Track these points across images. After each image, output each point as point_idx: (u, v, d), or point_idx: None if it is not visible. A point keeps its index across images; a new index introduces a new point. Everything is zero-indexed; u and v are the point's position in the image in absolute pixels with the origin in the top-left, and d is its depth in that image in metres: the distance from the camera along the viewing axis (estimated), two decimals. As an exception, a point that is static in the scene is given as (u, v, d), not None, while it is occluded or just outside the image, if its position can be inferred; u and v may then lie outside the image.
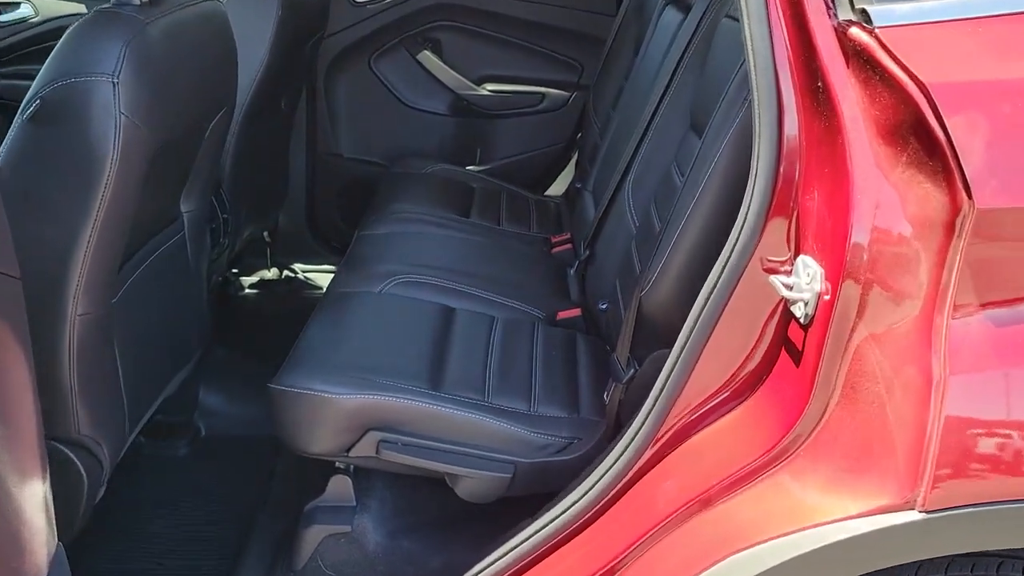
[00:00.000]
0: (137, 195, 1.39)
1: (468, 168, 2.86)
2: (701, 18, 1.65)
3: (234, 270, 2.91)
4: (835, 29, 1.05)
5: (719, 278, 1.14)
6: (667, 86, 1.69)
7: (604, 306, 1.79)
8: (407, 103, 2.87)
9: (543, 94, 2.84)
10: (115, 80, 1.25)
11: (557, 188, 2.93)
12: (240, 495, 1.93)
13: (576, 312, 1.88)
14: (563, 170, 2.93)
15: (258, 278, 2.98)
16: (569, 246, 2.24)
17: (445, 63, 2.83)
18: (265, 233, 2.88)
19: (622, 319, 1.64)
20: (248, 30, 2.12)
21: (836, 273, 1.05)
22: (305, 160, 2.89)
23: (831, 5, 1.06)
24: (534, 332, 1.79)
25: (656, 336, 1.37)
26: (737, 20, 1.55)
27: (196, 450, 2.08)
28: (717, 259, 1.15)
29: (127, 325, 1.54)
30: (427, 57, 2.81)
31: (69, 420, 1.38)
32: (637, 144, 1.74)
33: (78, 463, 1.40)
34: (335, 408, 1.42)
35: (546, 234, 2.39)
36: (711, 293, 1.15)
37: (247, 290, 2.94)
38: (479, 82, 2.85)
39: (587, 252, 1.84)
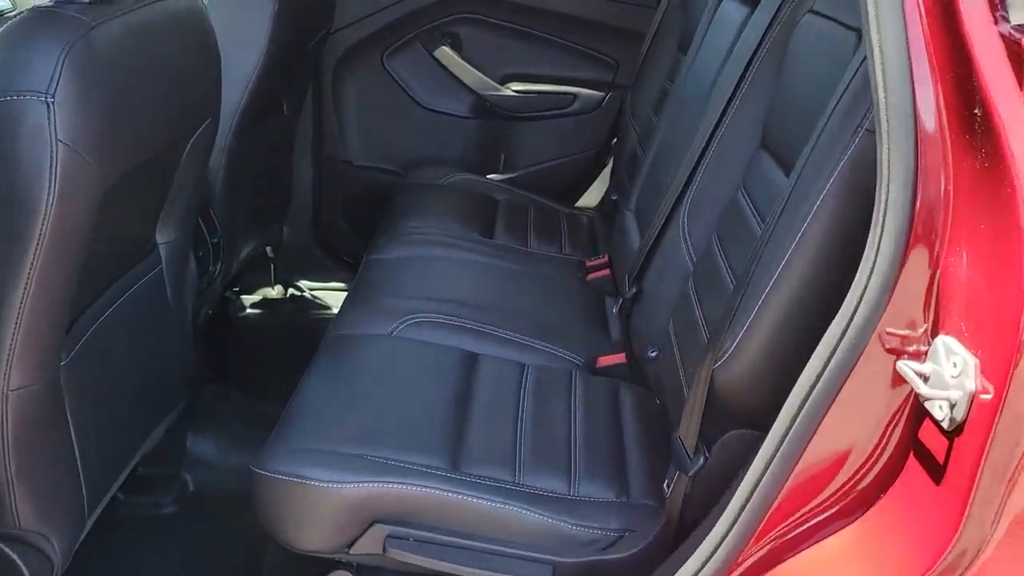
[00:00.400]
0: (88, 237, 1.13)
1: (491, 177, 2.59)
2: (776, 13, 1.37)
3: (235, 288, 2.66)
4: (1004, 37, 0.77)
5: (829, 358, 0.87)
6: (731, 95, 1.41)
7: (654, 354, 1.52)
8: (423, 105, 2.60)
9: (574, 95, 2.55)
10: (49, 100, 0.98)
11: (590, 198, 2.65)
12: (231, 567, 1.68)
13: (620, 359, 1.61)
14: (596, 178, 2.65)
15: (261, 296, 2.73)
16: (607, 272, 1.96)
17: (466, 60, 2.54)
18: (268, 248, 2.63)
19: (677, 371, 1.37)
20: (239, 27, 1.85)
21: (1002, 367, 0.78)
22: (311, 168, 2.62)
23: (998, 4, 0.78)
24: (571, 384, 1.52)
25: (731, 415, 1.10)
26: (824, 16, 1.27)
27: (183, 508, 1.82)
28: (819, 329, 0.88)
29: (86, 387, 1.28)
30: (445, 54, 2.53)
31: (6, 515, 1.12)
32: (695, 164, 1.46)
33: (20, 563, 1.15)
34: (332, 499, 1.15)
35: (580, 255, 2.11)
36: (817, 378, 0.87)
37: (248, 310, 2.68)
38: (503, 81, 2.57)
39: (633, 289, 1.57)
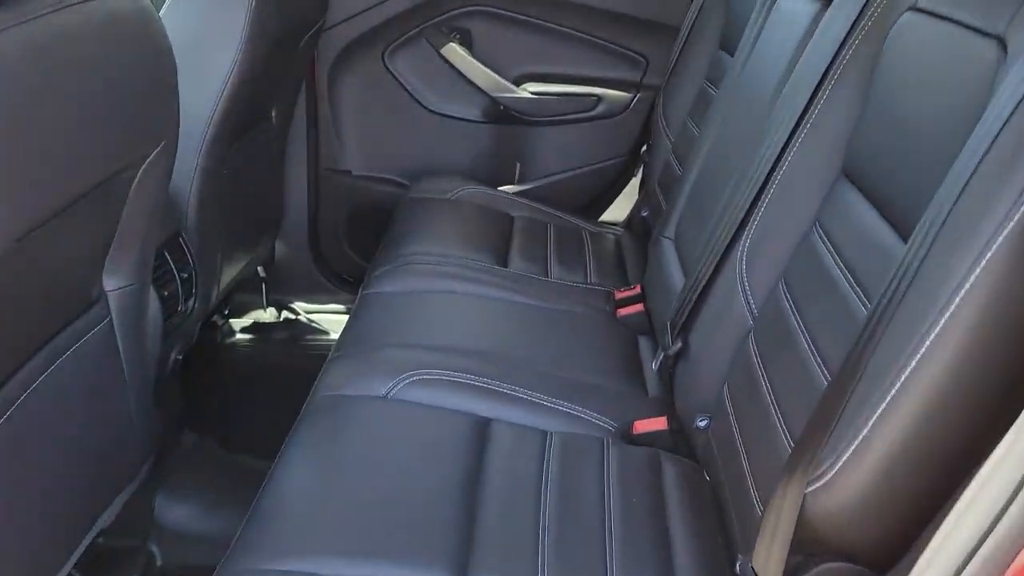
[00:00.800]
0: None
1: (505, 189, 2.32)
2: (860, 12, 1.09)
3: (223, 311, 2.41)
4: None
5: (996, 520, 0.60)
6: (804, 111, 1.13)
7: (704, 423, 1.26)
8: (430, 108, 2.33)
9: (598, 96, 2.28)
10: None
11: (616, 212, 2.38)
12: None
13: (660, 424, 1.34)
14: (623, 190, 2.38)
15: (251, 320, 2.48)
16: (640, 307, 1.70)
17: (476, 58, 2.27)
18: (260, 268, 2.37)
19: (735, 446, 1.11)
20: (209, 28, 1.60)
21: None
22: (306, 179, 2.36)
23: None
24: (604, 456, 1.26)
25: (824, 546, 0.83)
26: (936, 16, 0.99)
27: (149, 588, 1.58)
28: (958, 440, 0.63)
29: (15, 465, 1.04)
30: (454, 51, 2.26)
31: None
32: (755, 192, 1.18)
33: None
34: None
35: (608, 284, 1.84)
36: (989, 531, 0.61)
37: (238, 335, 2.43)
38: (518, 81, 2.30)
39: (678, 344, 1.30)
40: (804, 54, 1.21)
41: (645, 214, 2.10)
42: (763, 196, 1.19)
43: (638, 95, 2.28)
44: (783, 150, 1.16)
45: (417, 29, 2.25)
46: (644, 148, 2.24)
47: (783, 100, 1.20)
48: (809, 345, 1.04)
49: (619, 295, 1.78)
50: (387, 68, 2.29)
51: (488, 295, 1.69)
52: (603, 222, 2.36)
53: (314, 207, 2.39)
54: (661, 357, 1.34)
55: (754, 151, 1.27)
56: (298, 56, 2.03)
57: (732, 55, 1.80)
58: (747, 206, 1.21)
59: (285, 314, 2.48)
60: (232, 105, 1.62)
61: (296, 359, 2.34)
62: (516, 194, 2.30)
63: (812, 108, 1.13)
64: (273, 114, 2.07)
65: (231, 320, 2.45)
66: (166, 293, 1.51)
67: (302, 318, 2.48)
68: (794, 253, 1.15)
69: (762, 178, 1.19)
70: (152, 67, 1.15)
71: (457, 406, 1.33)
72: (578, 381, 1.42)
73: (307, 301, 2.50)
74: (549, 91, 2.28)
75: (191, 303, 1.63)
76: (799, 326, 1.08)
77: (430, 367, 1.38)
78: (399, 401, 1.33)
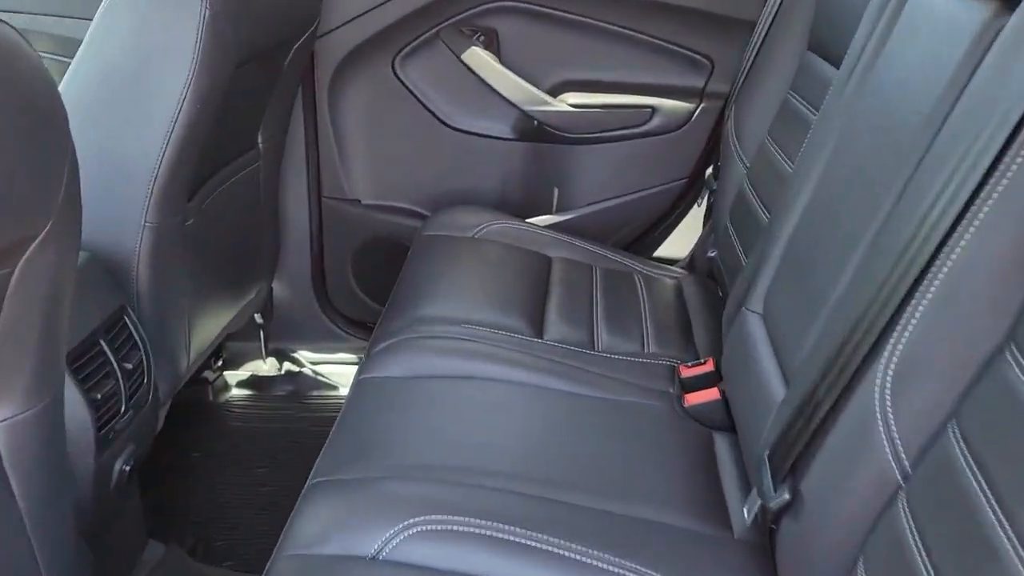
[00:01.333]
0: None
1: (540, 220, 1.94)
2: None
3: (219, 361, 2.08)
4: None
5: None
6: (992, 166, 0.74)
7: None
8: (449, 124, 1.95)
9: (653, 107, 1.88)
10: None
11: (674, 247, 1.98)
12: None
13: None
14: (682, 220, 1.98)
15: (249, 373, 2.14)
16: (715, 394, 1.31)
17: (505, 64, 1.89)
18: (257, 315, 2.03)
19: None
20: (151, 46, 1.24)
21: None
22: (307, 211, 2.01)
23: None
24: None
25: None
26: None
27: None
28: None
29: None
30: (477, 56, 1.88)
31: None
32: (911, 284, 0.79)
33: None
34: None
35: (671, 355, 1.46)
36: None
37: (234, 391, 2.09)
38: (556, 92, 1.91)
39: (784, 495, 0.92)
40: (980, 78, 0.82)
41: (713, 254, 1.70)
42: (922, 289, 0.80)
43: (701, 105, 1.87)
44: (956, 222, 0.77)
45: (432, 30, 1.88)
46: (710, 170, 1.84)
47: (949, 143, 0.81)
48: (999, 521, 0.66)
49: (686, 372, 1.40)
50: (398, 78, 1.92)
51: (518, 381, 1.31)
52: (659, 258, 1.98)
53: (317, 243, 2.04)
54: (757, 508, 0.96)
55: (899, 214, 0.87)
56: (287, 71, 1.67)
57: (829, 60, 1.40)
58: (894, 303, 0.82)
59: (287, 366, 2.14)
60: (188, 144, 1.26)
61: (298, 423, 1.99)
62: (553, 227, 1.92)
63: (1006, 163, 0.74)
64: (260, 141, 1.72)
65: (226, 373, 2.11)
66: (99, 396, 1.16)
67: (306, 370, 2.13)
68: (973, 382, 0.76)
69: (920, 262, 0.79)
70: (22, 117, 0.79)
71: (471, 568, 0.96)
72: (633, 519, 1.04)
73: (312, 350, 2.15)
74: (593, 103, 1.88)
75: (141, 396, 1.28)
76: (982, 492, 0.69)
77: (436, 509, 1.01)
78: (393, 565, 0.96)
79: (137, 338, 1.27)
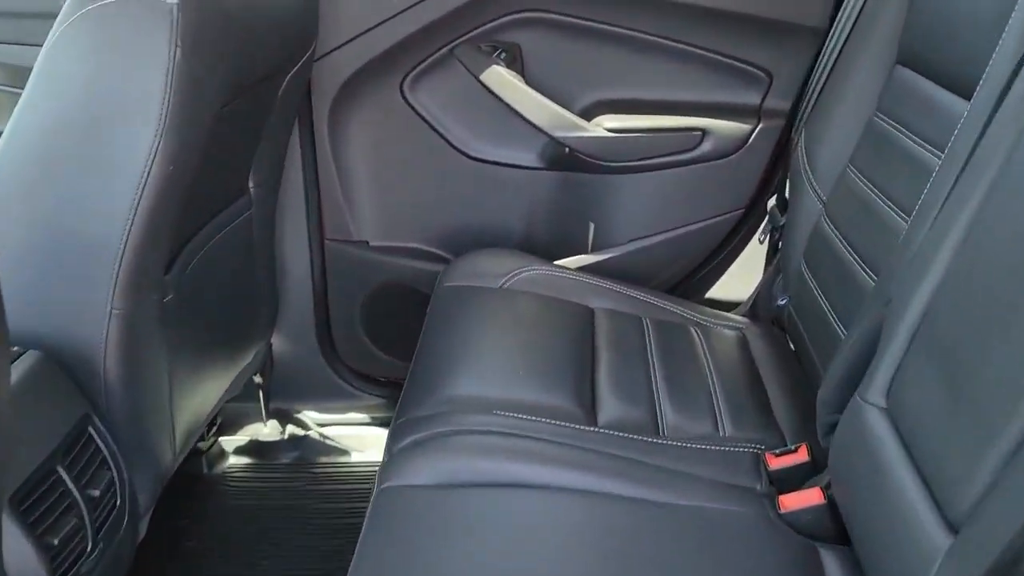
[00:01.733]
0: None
1: (575, 261, 1.70)
2: None
3: (211, 429, 1.84)
4: None
5: None
6: None
7: None
8: (468, 153, 1.71)
9: (703, 130, 1.63)
10: None
11: (730, 288, 1.74)
12: None
13: None
14: (738, 256, 1.73)
15: (248, 439, 1.90)
16: (819, 496, 1.07)
17: (530, 83, 1.64)
18: (257, 375, 1.79)
19: None
20: (111, 96, 0.99)
21: None
22: (308, 256, 1.77)
23: None
24: None
25: None
26: None
27: None
28: None
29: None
30: (498, 75, 1.63)
31: None
32: None
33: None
34: None
35: (751, 433, 1.22)
36: None
37: (231, 459, 1.86)
38: (590, 113, 1.66)
39: None
40: None
41: (784, 302, 1.46)
42: None
43: (759, 125, 1.62)
44: None
45: (446, 48, 1.63)
46: (772, 201, 1.60)
47: None
48: None
49: (775, 462, 1.15)
50: (408, 103, 1.67)
51: (569, 486, 1.06)
52: (712, 300, 1.74)
53: (321, 291, 1.79)
54: None
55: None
56: (281, 103, 1.43)
57: (931, 77, 1.16)
58: None
59: (291, 429, 1.90)
60: (159, 212, 1.02)
61: (305, 498, 1.75)
62: (590, 268, 1.68)
63: None
64: (252, 185, 1.47)
65: (221, 439, 1.87)
66: (56, 540, 0.92)
67: (313, 434, 1.89)
68: None
69: None
70: None
71: None
72: None
73: (319, 410, 1.91)
74: (633, 126, 1.64)
75: (112, 526, 1.04)
76: None
77: None
78: None
79: (106, 453, 1.04)
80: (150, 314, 1.11)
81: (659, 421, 1.23)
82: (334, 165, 1.69)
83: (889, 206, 1.19)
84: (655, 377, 1.32)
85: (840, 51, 1.41)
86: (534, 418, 1.17)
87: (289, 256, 1.74)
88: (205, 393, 1.40)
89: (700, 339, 1.47)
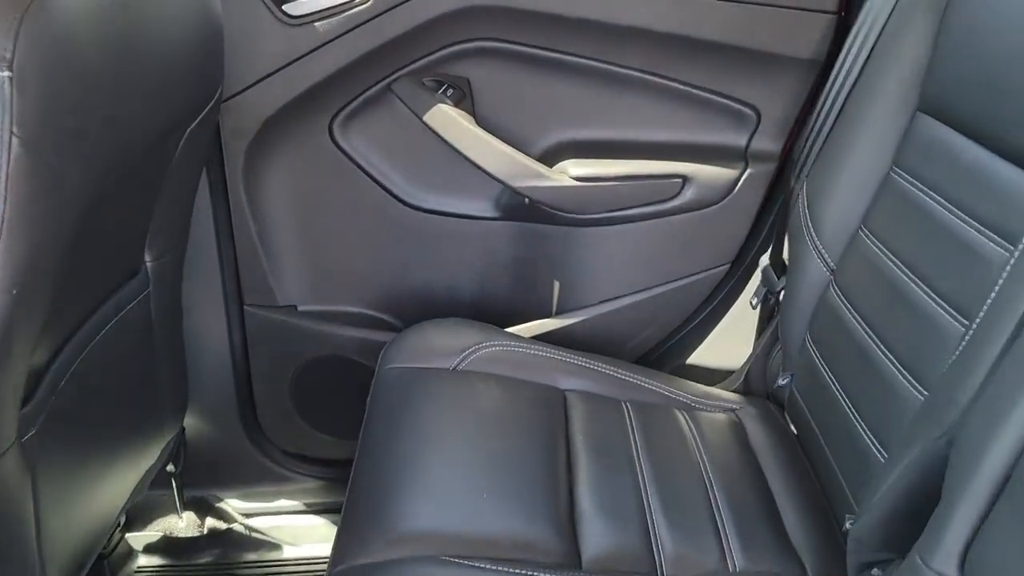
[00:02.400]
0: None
1: (537, 326, 1.47)
2: None
3: (116, 526, 1.56)
4: None
5: None
6: None
7: None
8: (410, 203, 1.47)
9: (684, 176, 1.42)
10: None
11: (719, 352, 1.53)
12: None
13: None
14: (724, 317, 1.52)
15: (160, 535, 1.63)
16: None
17: (482, 124, 1.41)
18: (170, 465, 1.53)
19: None
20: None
21: None
22: (225, 325, 1.51)
23: None
24: None
25: None
26: None
27: None
28: None
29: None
30: (443, 115, 1.39)
31: None
32: None
33: None
34: None
35: (765, 565, 1.01)
36: None
37: (141, 559, 1.59)
38: (552, 157, 1.43)
39: None
40: None
41: (785, 382, 1.26)
42: None
43: (747, 170, 1.42)
44: None
45: (383, 82, 1.38)
46: (765, 258, 1.39)
47: None
48: None
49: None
50: (338, 146, 1.42)
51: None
52: (695, 367, 1.53)
53: (241, 365, 1.54)
54: None
55: None
56: (180, 160, 1.17)
57: (973, 137, 0.96)
58: None
59: (211, 521, 1.64)
60: (4, 344, 0.76)
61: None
62: (555, 335, 1.46)
63: None
64: (148, 259, 1.21)
65: (128, 536, 1.60)
66: None
67: (237, 526, 1.64)
68: None
69: None
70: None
71: None
72: None
73: (243, 497, 1.65)
74: (603, 173, 1.41)
75: None
76: None
77: None
78: None
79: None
80: (4, 460, 0.85)
81: (656, 554, 1.01)
82: (252, 220, 1.43)
83: (920, 287, 0.99)
84: (645, 487, 1.11)
85: (848, 92, 1.21)
86: (507, 568, 0.94)
87: (203, 327, 1.48)
88: (91, 521, 1.14)
89: (690, 427, 1.26)
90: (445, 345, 1.32)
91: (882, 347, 1.04)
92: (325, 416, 1.59)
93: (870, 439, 1.02)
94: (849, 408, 1.09)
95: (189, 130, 1.16)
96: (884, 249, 1.08)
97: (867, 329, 1.08)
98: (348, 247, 1.49)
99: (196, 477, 1.60)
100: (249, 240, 1.45)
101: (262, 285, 1.49)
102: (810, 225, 1.22)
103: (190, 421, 1.55)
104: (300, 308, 1.52)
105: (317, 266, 1.50)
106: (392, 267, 1.51)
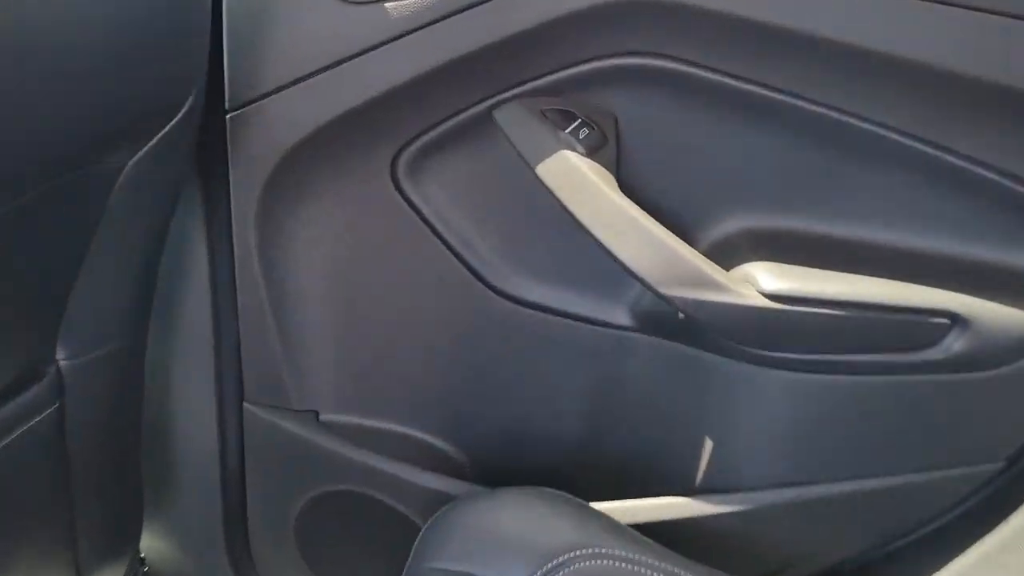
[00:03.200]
0: None
1: (662, 508, 0.95)
2: None
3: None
4: None
5: None
6: None
7: None
8: (498, 288, 0.97)
9: (952, 315, 0.86)
10: None
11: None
12: None
13: None
14: (986, 534, 0.97)
15: None
16: None
17: (624, 186, 0.90)
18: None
19: None
20: None
21: None
22: (216, 422, 1.05)
23: None
24: None
25: None
26: None
27: None
28: None
29: None
30: (568, 168, 0.88)
31: None
32: None
33: None
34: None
35: None
36: None
37: None
38: (730, 256, 0.90)
39: None
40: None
41: None
42: None
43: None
44: None
45: (480, 105, 0.88)
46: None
47: None
48: None
49: None
50: (402, 194, 0.93)
51: None
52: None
53: (234, 482, 1.07)
54: None
55: None
56: (126, 204, 0.70)
57: None
58: None
59: None
60: None
61: None
62: (695, 528, 0.93)
63: None
64: (61, 359, 0.75)
65: None
66: None
67: None
68: None
69: None
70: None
71: None
72: None
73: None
74: (816, 292, 0.87)
75: None
76: None
77: None
78: None
79: None
80: None
81: None
82: (264, 287, 0.96)
83: None
84: None
85: None
86: None
87: (185, 425, 1.03)
88: None
89: None
90: (520, 540, 0.81)
91: None
92: (337, 565, 1.11)
93: None
94: None
95: (136, 159, 0.70)
96: None
97: None
98: (403, 340, 1.00)
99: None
100: (259, 315, 0.98)
101: (271, 377, 1.02)
102: None
103: (160, 551, 1.10)
104: (322, 417, 1.04)
105: (354, 361, 1.02)
106: (463, 376, 1.01)
